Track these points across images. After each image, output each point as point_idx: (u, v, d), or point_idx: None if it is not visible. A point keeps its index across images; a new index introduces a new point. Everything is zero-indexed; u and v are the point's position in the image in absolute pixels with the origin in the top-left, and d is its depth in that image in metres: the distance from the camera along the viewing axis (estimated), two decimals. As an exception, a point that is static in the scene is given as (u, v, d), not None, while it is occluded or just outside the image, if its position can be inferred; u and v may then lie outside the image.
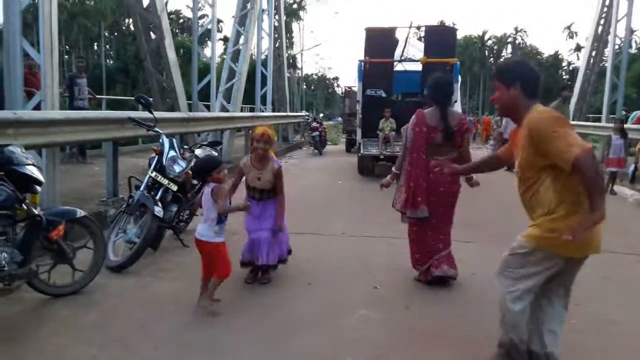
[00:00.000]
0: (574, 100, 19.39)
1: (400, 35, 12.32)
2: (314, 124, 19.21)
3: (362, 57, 11.76)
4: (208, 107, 12.59)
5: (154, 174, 5.15)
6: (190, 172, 5.52)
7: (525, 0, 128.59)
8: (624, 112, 17.07)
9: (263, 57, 18.38)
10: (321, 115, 28.38)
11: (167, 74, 9.37)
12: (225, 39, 42.76)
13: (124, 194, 7.10)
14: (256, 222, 4.59)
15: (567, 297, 3.02)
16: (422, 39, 13.51)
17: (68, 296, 4.14)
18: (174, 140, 5.43)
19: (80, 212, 4.29)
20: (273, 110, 19.04)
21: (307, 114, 25.56)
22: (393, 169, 4.96)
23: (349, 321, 3.88)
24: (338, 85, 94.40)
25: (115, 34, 65.23)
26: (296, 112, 23.86)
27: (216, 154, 6.50)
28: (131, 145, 13.03)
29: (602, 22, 17.58)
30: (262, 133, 4.42)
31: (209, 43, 20.24)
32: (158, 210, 4.95)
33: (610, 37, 17.03)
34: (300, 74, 51.37)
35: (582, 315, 4.06)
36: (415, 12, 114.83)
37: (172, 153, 5.23)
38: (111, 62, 61.06)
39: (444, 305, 4.24)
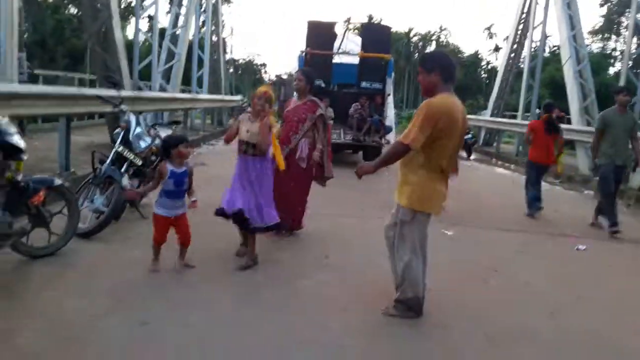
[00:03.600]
0: (492, 99, 20.90)
1: (338, 29, 12.98)
2: (250, 109, 19.45)
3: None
4: (147, 88, 12.64)
5: (121, 148, 5.44)
6: (154, 147, 5.87)
7: (451, 0, 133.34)
8: (537, 111, 18.66)
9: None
10: (252, 99, 28.20)
11: (112, 53, 9.43)
12: (150, 18, 41.65)
13: (75, 167, 7.29)
14: (245, 179, 4.69)
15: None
16: (360, 33, 14.21)
17: (44, 258, 4.42)
18: (140, 117, 5.74)
19: (57, 181, 4.57)
20: (209, 93, 19.14)
21: (242, 98, 25.69)
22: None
23: (308, 283, 4.44)
24: (265, 72, 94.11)
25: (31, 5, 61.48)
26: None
27: (170, 132, 6.78)
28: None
29: (520, 27, 19.05)
30: (264, 91, 4.74)
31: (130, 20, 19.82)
32: (125, 182, 5.27)
33: (527, 42, 18.52)
34: (230, 56, 50.86)
35: (500, 278, 4.89)
36: (345, 3, 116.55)
37: (138, 130, 5.55)
38: (26, 35, 57.59)
39: (386, 269, 4.87)
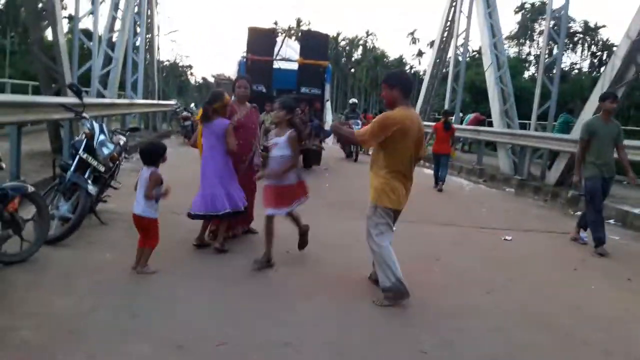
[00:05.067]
0: (419, 103, 22.00)
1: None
2: (185, 113, 19.51)
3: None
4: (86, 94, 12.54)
5: (85, 155, 5.62)
6: (114, 154, 6.09)
7: (376, 5, 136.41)
8: (460, 114, 19.89)
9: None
10: (192, 105, 28.06)
11: (56, 59, 9.39)
12: (70, 17, 40.17)
13: (24, 175, 7.31)
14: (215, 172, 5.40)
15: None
16: (298, 40, 14.69)
17: (17, 264, 4.56)
18: (103, 125, 5.94)
19: (31, 188, 4.75)
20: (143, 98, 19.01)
21: (177, 103, 25.56)
22: None
23: (274, 275, 4.88)
24: (192, 74, 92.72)
25: None
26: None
27: (125, 139, 6.97)
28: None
29: (445, 34, 20.22)
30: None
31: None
32: (91, 188, 5.48)
33: (451, 49, 19.69)
34: (157, 58, 49.91)
35: (441, 265, 5.53)
36: (274, 7, 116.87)
37: (102, 137, 5.76)
38: None
39: (339, 261, 5.40)
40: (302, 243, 5.46)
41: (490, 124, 16.71)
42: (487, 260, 5.93)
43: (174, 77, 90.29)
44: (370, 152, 4.80)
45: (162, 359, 3.22)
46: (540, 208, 10.03)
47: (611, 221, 8.74)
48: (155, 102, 19.41)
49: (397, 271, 4.21)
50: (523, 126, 16.18)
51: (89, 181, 5.57)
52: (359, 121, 15.98)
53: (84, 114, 5.96)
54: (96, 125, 5.79)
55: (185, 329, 3.59)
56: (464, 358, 3.49)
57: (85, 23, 15.77)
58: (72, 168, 5.57)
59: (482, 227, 7.68)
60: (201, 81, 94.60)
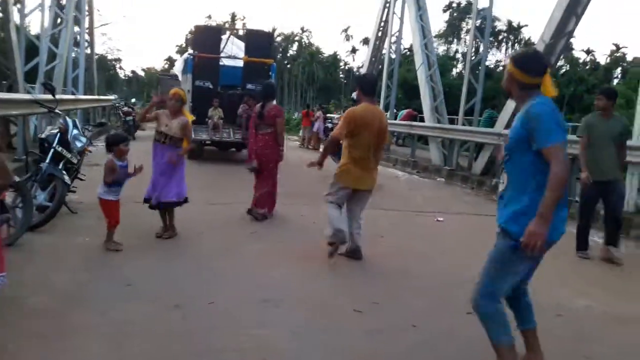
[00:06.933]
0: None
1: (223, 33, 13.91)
2: (126, 109, 19.60)
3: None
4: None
5: (60, 148, 6.07)
6: (86, 147, 6.56)
7: (310, 2, 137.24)
8: (394, 110, 21.02)
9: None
10: (133, 100, 27.89)
11: (8, 55, 9.53)
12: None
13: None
14: (161, 164, 5.79)
15: (360, 214, 5.51)
16: (243, 38, 15.26)
17: (6, 247, 4.99)
18: (76, 120, 6.39)
19: (16, 178, 5.18)
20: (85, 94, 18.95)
21: (116, 97, 25.38)
22: None
23: (245, 250, 5.60)
24: (120, 67, 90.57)
25: None
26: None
27: (91, 134, 7.43)
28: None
29: (379, 34, 21.29)
30: (174, 92, 5.80)
31: None
32: (67, 179, 5.95)
33: (385, 49, 20.77)
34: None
35: (384, 241, 6.41)
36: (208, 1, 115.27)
37: (75, 131, 6.22)
38: None
39: (303, 236, 6.16)
40: None
41: (422, 120, 17.84)
42: (422, 237, 6.86)
43: (103, 70, 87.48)
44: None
45: (163, 316, 3.84)
46: (467, 195, 11.16)
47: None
48: (97, 97, 19.37)
49: (337, 225, 5.17)
50: (452, 121, 17.39)
51: (63, 172, 6.03)
52: None
53: (57, 110, 6.39)
54: (69, 120, 6.24)
55: (174, 296, 4.18)
56: (403, 309, 4.33)
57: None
58: (48, 160, 6.00)
59: (417, 211, 8.63)
60: (130, 74, 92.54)
